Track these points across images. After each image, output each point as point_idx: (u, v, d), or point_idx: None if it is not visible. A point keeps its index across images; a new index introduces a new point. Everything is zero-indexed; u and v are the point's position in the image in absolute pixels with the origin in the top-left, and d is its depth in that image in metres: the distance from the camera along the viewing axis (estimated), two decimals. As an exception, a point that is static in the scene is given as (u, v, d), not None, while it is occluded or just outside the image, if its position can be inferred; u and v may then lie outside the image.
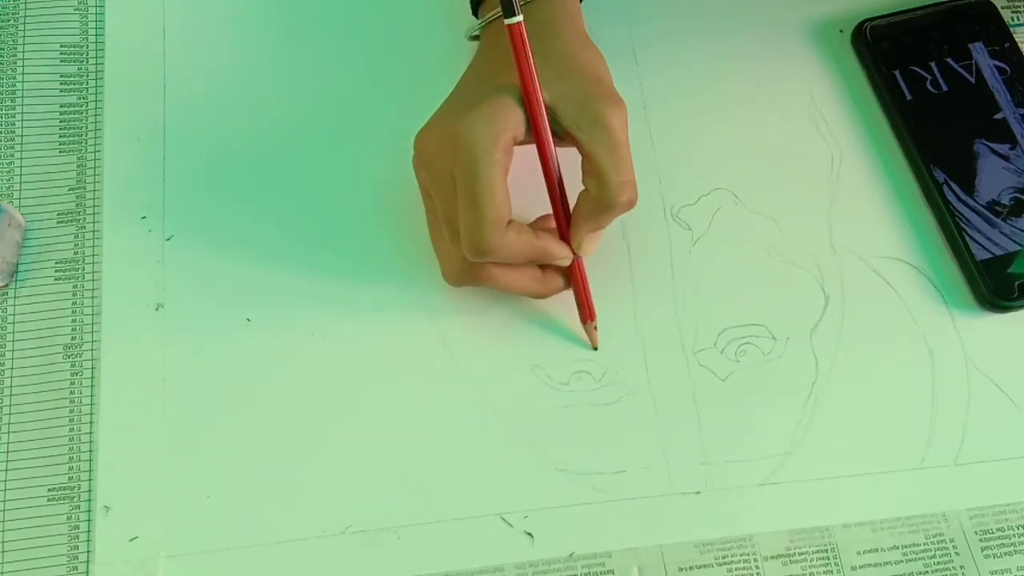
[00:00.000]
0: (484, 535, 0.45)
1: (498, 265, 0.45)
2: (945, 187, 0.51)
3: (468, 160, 0.42)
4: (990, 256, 0.49)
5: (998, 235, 0.50)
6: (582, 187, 0.45)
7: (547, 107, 0.44)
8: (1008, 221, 0.50)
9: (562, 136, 0.45)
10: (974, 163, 0.51)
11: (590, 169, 0.44)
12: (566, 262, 0.46)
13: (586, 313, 0.47)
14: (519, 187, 0.44)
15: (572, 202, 0.46)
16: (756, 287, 0.50)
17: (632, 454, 0.46)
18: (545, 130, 0.44)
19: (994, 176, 0.51)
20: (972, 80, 0.53)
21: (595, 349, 0.48)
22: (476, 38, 0.50)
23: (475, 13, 0.50)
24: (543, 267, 0.47)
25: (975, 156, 0.52)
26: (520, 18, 0.43)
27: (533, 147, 0.45)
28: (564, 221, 0.46)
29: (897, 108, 0.53)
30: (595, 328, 0.48)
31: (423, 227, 0.50)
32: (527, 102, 0.44)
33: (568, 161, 0.45)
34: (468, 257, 0.44)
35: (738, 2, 0.56)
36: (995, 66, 0.53)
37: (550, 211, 0.46)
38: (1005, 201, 0.51)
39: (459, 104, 0.45)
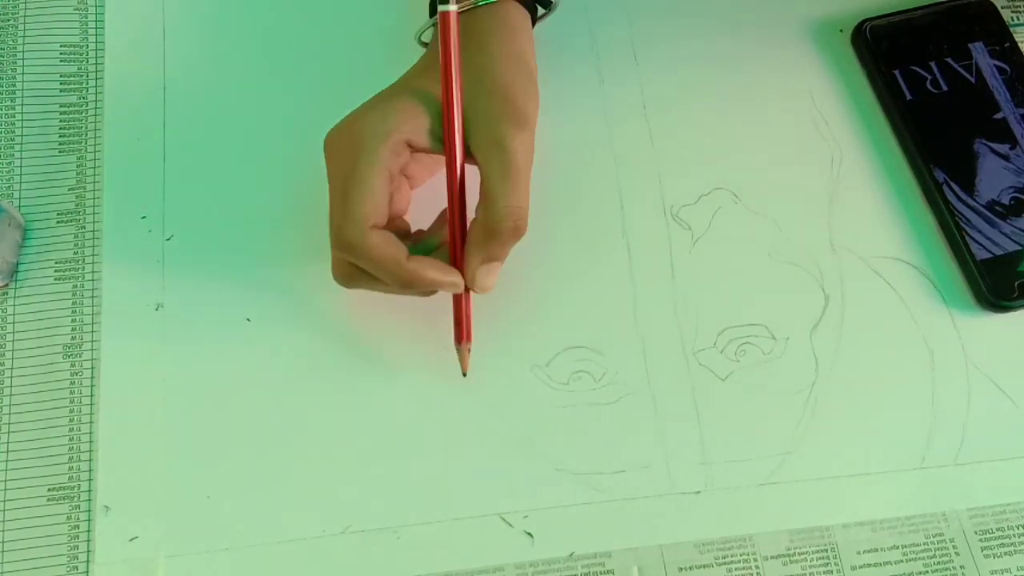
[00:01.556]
0: (484, 535, 0.45)
1: (368, 275, 0.43)
2: (945, 187, 0.51)
3: (351, 154, 0.42)
4: (990, 256, 0.49)
5: (998, 235, 0.50)
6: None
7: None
8: (1008, 221, 0.50)
9: (469, 155, 0.43)
10: (974, 163, 0.51)
11: (482, 193, 0.42)
12: (455, 289, 0.43)
13: (462, 334, 0.45)
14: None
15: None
16: (756, 287, 0.50)
17: (632, 454, 0.46)
18: (456, 131, 0.42)
19: (994, 176, 0.51)
20: (972, 80, 0.53)
21: (464, 375, 0.45)
22: (426, 45, 0.49)
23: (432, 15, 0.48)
24: None
25: (975, 156, 0.52)
26: (454, 7, 0.42)
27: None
28: (461, 246, 0.44)
29: (897, 108, 0.53)
30: (468, 351, 0.45)
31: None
32: (444, 92, 0.42)
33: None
34: (333, 247, 0.42)
35: (738, 2, 0.56)
36: (995, 66, 0.53)
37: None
38: (1005, 201, 0.51)
39: (368, 103, 0.44)
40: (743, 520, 0.45)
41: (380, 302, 0.48)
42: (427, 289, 0.43)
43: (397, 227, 0.44)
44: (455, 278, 0.43)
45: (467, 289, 0.44)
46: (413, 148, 0.43)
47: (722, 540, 0.45)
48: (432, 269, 0.42)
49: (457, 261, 0.44)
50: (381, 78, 0.53)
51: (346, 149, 0.42)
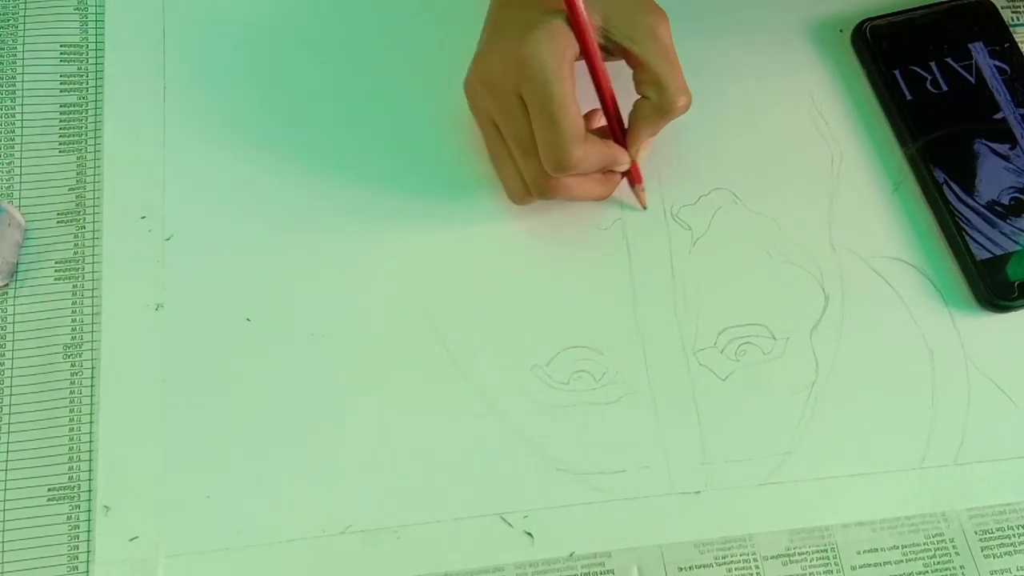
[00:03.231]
0: (484, 535, 0.45)
1: (571, 176, 0.47)
2: (945, 187, 0.51)
3: (540, 80, 0.44)
4: (990, 256, 0.49)
5: (998, 235, 0.50)
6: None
7: (599, 25, 0.45)
8: (1008, 221, 0.50)
9: (612, 51, 0.47)
10: (974, 163, 0.51)
11: (647, 79, 0.46)
12: (626, 167, 0.49)
13: (635, 178, 0.50)
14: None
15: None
16: (756, 287, 0.50)
17: (632, 454, 0.46)
18: (595, 47, 0.46)
19: (994, 176, 0.51)
20: (972, 80, 0.53)
21: (644, 208, 0.51)
22: None
23: None
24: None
25: (975, 156, 0.52)
26: None
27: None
28: (620, 133, 0.49)
29: (897, 108, 0.53)
30: (643, 190, 0.50)
31: (422, 228, 0.50)
32: (575, 21, 0.45)
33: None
34: (551, 172, 0.46)
35: (738, 2, 0.56)
36: (995, 66, 0.53)
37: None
38: (1005, 201, 0.51)
39: (512, 27, 0.46)
40: (743, 520, 0.45)
41: (380, 301, 0.49)
42: (616, 167, 0.49)
43: None
44: (627, 157, 0.49)
45: (633, 168, 0.50)
46: (577, 59, 0.46)
47: (722, 540, 0.45)
48: (619, 150, 0.48)
49: (618, 142, 0.49)
50: (381, 77, 0.53)
51: (523, 75, 0.44)
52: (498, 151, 0.49)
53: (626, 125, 0.48)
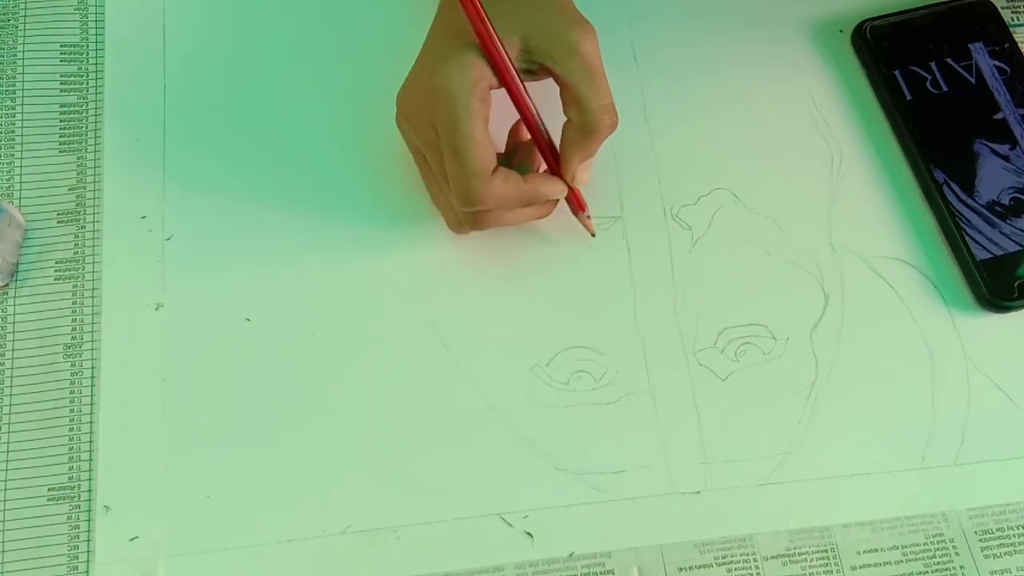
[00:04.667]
0: (484, 535, 0.45)
1: (488, 216, 0.46)
2: (945, 187, 0.51)
3: (447, 113, 0.43)
4: (990, 256, 0.49)
5: (998, 235, 0.50)
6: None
7: (518, 48, 0.44)
8: (1008, 221, 0.50)
9: (536, 72, 0.45)
10: (974, 163, 0.51)
11: (569, 99, 0.44)
12: (561, 195, 0.47)
13: (576, 205, 0.48)
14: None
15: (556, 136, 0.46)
16: (756, 287, 0.50)
17: (632, 454, 0.46)
18: (512, 76, 0.44)
19: (994, 176, 0.51)
20: (972, 80, 0.53)
21: (593, 235, 0.49)
22: None
23: None
24: None
25: (975, 156, 0.52)
26: None
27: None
28: (552, 158, 0.47)
29: (897, 108, 0.53)
30: (588, 217, 0.49)
31: (422, 228, 0.50)
32: (486, 50, 0.43)
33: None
34: (458, 206, 0.45)
35: (738, 2, 0.56)
36: (995, 66, 0.53)
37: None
38: (1005, 201, 0.51)
39: (431, 59, 0.45)
40: (743, 520, 0.45)
41: (380, 301, 0.49)
42: (543, 201, 0.47)
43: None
44: (561, 185, 0.47)
45: (571, 190, 0.47)
46: (492, 89, 0.44)
47: (722, 540, 0.45)
48: (544, 183, 0.46)
49: (552, 169, 0.47)
50: (381, 77, 0.53)
51: (434, 108, 0.43)
52: (431, 183, 0.48)
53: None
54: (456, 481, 0.46)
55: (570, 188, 0.47)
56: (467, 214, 0.46)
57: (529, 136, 0.47)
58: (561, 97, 0.45)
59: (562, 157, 0.46)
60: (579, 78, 0.44)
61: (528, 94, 0.45)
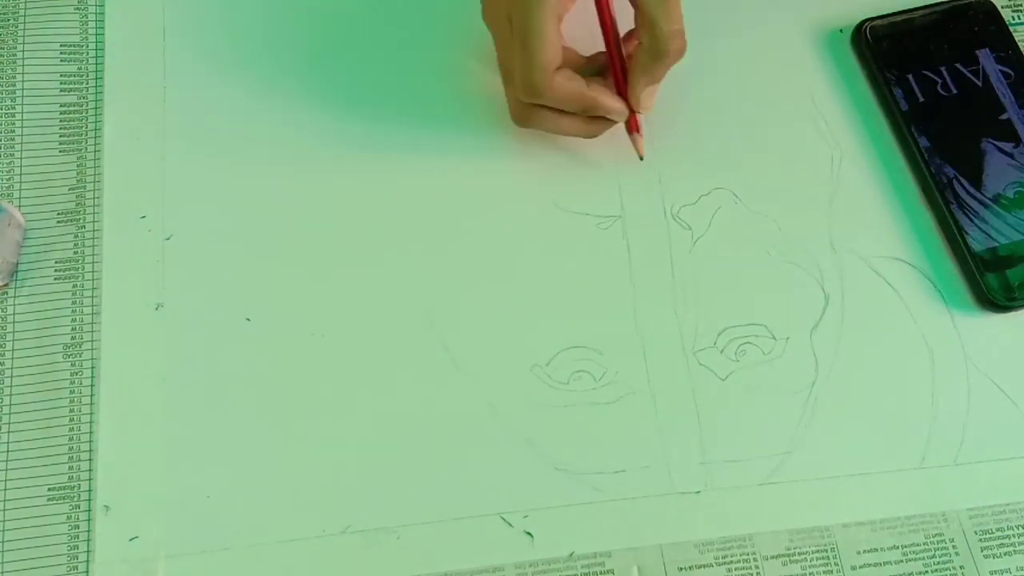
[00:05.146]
0: (484, 535, 0.45)
1: (549, 109, 0.47)
2: (955, 182, 0.51)
3: (522, 4, 0.44)
4: (990, 256, 0.49)
5: (999, 235, 0.50)
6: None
7: None
8: (1012, 213, 0.50)
9: None
10: (981, 160, 0.52)
11: (643, 21, 0.46)
12: (621, 118, 0.48)
13: (631, 126, 0.49)
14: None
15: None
16: (756, 287, 0.50)
17: (632, 454, 0.46)
18: None
19: (997, 175, 0.51)
20: (979, 84, 0.53)
21: (641, 158, 0.50)
22: None
23: None
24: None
25: (983, 154, 0.52)
26: None
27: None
28: (622, 78, 0.48)
29: (897, 107, 0.53)
30: (640, 137, 0.49)
31: (423, 228, 0.50)
32: None
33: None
34: (520, 96, 0.46)
35: (738, 2, 0.56)
36: (1000, 71, 0.54)
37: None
38: (1010, 194, 0.51)
39: None
40: (743, 520, 0.45)
41: (380, 301, 0.49)
42: (603, 113, 0.48)
43: (567, 58, 0.47)
44: (620, 106, 0.48)
45: (632, 112, 0.48)
46: None
47: (722, 540, 0.45)
48: (606, 96, 0.47)
49: (620, 90, 0.48)
50: (381, 77, 0.53)
51: (514, 2, 0.45)
52: (504, 72, 0.49)
53: None
54: (456, 481, 0.46)
55: (632, 118, 0.49)
56: (523, 107, 0.48)
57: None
58: (635, 20, 0.46)
59: (630, 79, 0.48)
60: (653, 2, 0.45)
61: (612, 9, 0.47)
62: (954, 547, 0.45)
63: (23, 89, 0.52)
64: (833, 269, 0.50)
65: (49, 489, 0.45)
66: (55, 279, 0.49)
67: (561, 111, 0.48)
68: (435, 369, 0.47)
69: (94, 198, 0.50)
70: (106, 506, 0.45)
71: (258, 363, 0.47)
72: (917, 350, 0.49)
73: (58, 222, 0.50)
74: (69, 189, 0.51)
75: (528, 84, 0.45)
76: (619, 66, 0.48)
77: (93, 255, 0.49)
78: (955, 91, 0.53)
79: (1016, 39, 0.54)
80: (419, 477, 0.46)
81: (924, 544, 0.45)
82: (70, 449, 0.46)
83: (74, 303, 0.48)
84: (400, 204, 0.51)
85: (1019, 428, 0.47)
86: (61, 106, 0.52)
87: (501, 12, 0.46)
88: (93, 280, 0.49)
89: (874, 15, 0.55)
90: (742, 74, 0.54)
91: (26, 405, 0.46)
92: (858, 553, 0.45)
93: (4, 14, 0.54)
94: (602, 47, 0.49)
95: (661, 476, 0.46)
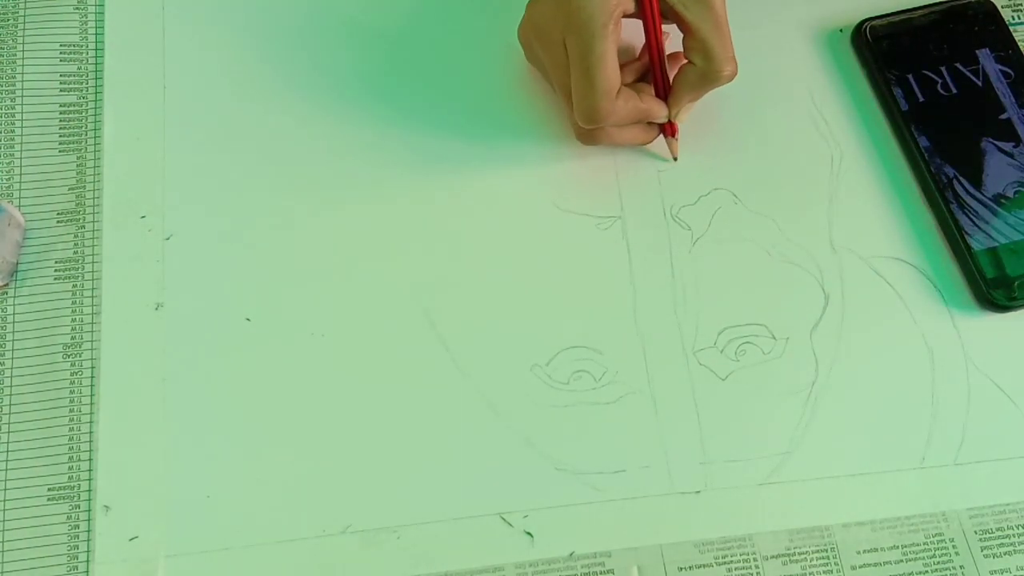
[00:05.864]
0: (484, 535, 0.45)
1: (606, 131, 0.49)
2: (955, 181, 0.51)
3: (583, 33, 0.45)
4: (990, 256, 0.49)
5: (999, 235, 0.50)
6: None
7: None
8: (1012, 213, 0.50)
9: (665, 14, 0.48)
10: (982, 159, 0.51)
11: (695, 45, 0.48)
12: (664, 119, 0.51)
13: (668, 131, 0.51)
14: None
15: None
16: (756, 287, 0.50)
17: (632, 454, 0.46)
18: (655, 5, 0.47)
19: (998, 175, 0.51)
20: (979, 84, 0.53)
21: (675, 159, 0.52)
22: None
23: None
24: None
25: (983, 153, 0.52)
26: None
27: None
28: (663, 87, 0.50)
29: (897, 107, 0.53)
30: (676, 140, 0.52)
31: (423, 228, 0.50)
32: None
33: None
34: (580, 123, 0.48)
35: (738, 2, 0.56)
36: (1000, 70, 0.53)
37: None
38: (1010, 194, 0.51)
39: None
40: (743, 520, 0.45)
41: (379, 301, 0.49)
42: (654, 119, 0.50)
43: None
44: (666, 110, 0.50)
45: (670, 123, 0.51)
46: (626, 16, 0.47)
47: (722, 540, 0.45)
48: (656, 104, 0.50)
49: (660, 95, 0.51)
50: (382, 77, 0.53)
51: (570, 25, 0.46)
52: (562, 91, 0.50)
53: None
54: (456, 481, 0.46)
55: (669, 126, 0.51)
56: (579, 129, 0.49)
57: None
58: (684, 43, 0.48)
59: (673, 94, 0.50)
60: (708, 27, 0.47)
61: (661, 38, 0.49)
62: (954, 547, 0.45)
63: (23, 89, 0.52)
64: (833, 269, 0.50)
65: (49, 489, 0.45)
66: (55, 279, 0.49)
67: (622, 125, 0.50)
68: (435, 369, 0.47)
69: (94, 198, 0.50)
70: (106, 506, 0.45)
71: (258, 363, 0.47)
72: (917, 350, 0.49)
73: (58, 222, 0.50)
74: (69, 189, 0.51)
75: (592, 111, 0.47)
76: (661, 82, 0.50)
77: (93, 255, 0.49)
78: (955, 91, 0.53)
79: (1016, 39, 0.54)
80: (419, 477, 0.46)
81: (924, 544, 0.45)
82: (70, 449, 0.46)
83: (74, 303, 0.48)
84: (400, 204, 0.51)
85: (1019, 428, 0.47)
86: (61, 106, 0.52)
87: (555, 36, 0.47)
88: (93, 280, 0.49)
89: (874, 15, 0.55)
90: (742, 74, 0.54)
91: (26, 405, 0.46)
92: (858, 553, 0.45)
93: (4, 14, 0.54)
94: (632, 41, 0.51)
95: (661, 476, 0.46)
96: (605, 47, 0.45)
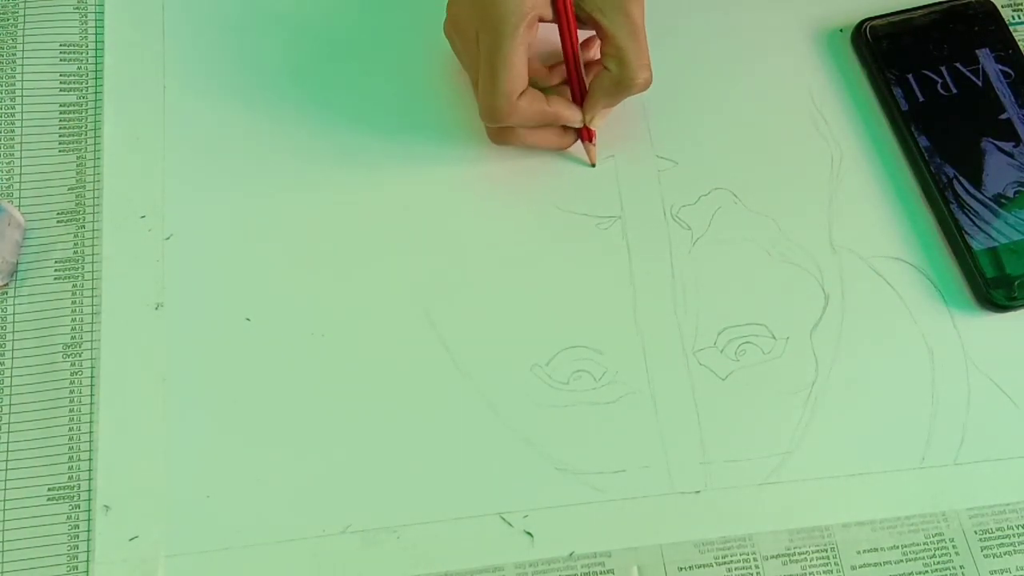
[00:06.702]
0: (484, 535, 0.45)
1: (514, 131, 0.49)
2: (955, 181, 0.51)
3: (494, 32, 0.46)
4: (990, 256, 0.49)
5: (999, 235, 0.50)
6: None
7: None
8: (1012, 213, 0.50)
9: (583, 20, 0.48)
10: (982, 159, 0.52)
11: (612, 52, 0.48)
12: (578, 124, 0.50)
13: (584, 135, 0.51)
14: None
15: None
16: (756, 287, 0.50)
17: (632, 454, 0.46)
18: (570, 12, 0.48)
19: (998, 174, 0.51)
20: (979, 84, 0.53)
21: (593, 165, 0.52)
22: None
23: None
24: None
25: (983, 153, 0.52)
26: None
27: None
28: (580, 97, 0.50)
29: (897, 107, 0.53)
30: (593, 146, 0.51)
31: (423, 228, 0.50)
32: None
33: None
34: (483, 120, 0.48)
35: (738, 2, 0.56)
36: (1000, 70, 0.54)
37: None
38: (1010, 194, 0.51)
39: None
40: (743, 520, 0.45)
41: (380, 301, 0.49)
42: (565, 123, 0.50)
43: (531, 70, 0.48)
44: (579, 115, 0.50)
45: (585, 127, 0.51)
46: (541, 20, 0.48)
47: (722, 540, 0.45)
48: (565, 108, 0.49)
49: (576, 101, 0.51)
50: (383, 77, 0.53)
51: (483, 22, 0.46)
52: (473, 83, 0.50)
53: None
54: (456, 481, 0.46)
55: (585, 131, 0.51)
56: (492, 128, 0.50)
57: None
58: (601, 50, 0.48)
59: (588, 99, 0.50)
60: (623, 34, 0.47)
61: (576, 43, 0.49)
62: (954, 547, 0.45)
63: (23, 89, 0.52)
64: (833, 269, 0.50)
65: (49, 489, 0.45)
66: (55, 279, 0.49)
67: (535, 128, 0.49)
68: (435, 369, 0.47)
69: (94, 198, 0.50)
70: (106, 506, 0.45)
71: (258, 363, 0.47)
72: (917, 350, 0.49)
73: (58, 222, 0.50)
74: (69, 189, 0.51)
75: (491, 109, 0.47)
76: (577, 87, 0.50)
77: (93, 255, 0.49)
78: (955, 91, 0.53)
79: (1016, 39, 0.54)
80: (419, 477, 0.46)
81: (924, 544, 0.45)
82: (70, 449, 0.46)
83: (74, 303, 0.48)
84: (401, 204, 0.51)
85: (1019, 428, 0.47)
86: (61, 106, 0.52)
87: (471, 34, 0.47)
88: (93, 280, 0.49)
89: (874, 15, 0.55)
90: (742, 74, 0.54)
91: (26, 405, 0.46)
92: (858, 553, 0.45)
93: (4, 14, 0.54)
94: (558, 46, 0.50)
95: (661, 476, 0.46)
96: (512, 48, 0.46)
